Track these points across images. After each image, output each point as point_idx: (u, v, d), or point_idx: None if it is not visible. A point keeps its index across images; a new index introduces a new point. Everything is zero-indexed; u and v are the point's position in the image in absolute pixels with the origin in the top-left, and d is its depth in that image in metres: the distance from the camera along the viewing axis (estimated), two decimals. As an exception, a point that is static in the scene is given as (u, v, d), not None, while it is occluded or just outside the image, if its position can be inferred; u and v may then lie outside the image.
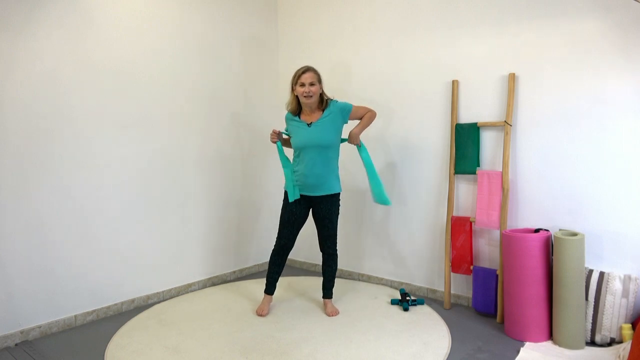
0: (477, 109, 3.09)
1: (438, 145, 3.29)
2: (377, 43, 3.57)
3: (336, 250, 3.05)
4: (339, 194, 3.00)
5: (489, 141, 3.05)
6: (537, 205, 2.87)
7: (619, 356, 2.31)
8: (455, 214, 3.22)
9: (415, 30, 3.35)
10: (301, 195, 2.95)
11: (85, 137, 2.95)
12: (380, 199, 3.00)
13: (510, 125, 2.90)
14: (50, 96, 2.79)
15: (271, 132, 3.01)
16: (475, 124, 3.04)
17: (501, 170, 2.95)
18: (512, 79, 2.89)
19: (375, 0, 3.56)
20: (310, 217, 3.08)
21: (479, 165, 3.06)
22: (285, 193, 3.00)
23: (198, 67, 3.58)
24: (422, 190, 3.38)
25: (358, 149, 3.02)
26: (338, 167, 3.00)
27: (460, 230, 3.10)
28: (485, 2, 3.01)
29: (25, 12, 2.67)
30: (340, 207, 3.05)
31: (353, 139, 2.98)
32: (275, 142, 3.00)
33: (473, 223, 3.07)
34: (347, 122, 3.00)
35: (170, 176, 3.42)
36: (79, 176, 2.93)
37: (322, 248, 3.05)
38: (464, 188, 3.18)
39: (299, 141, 2.92)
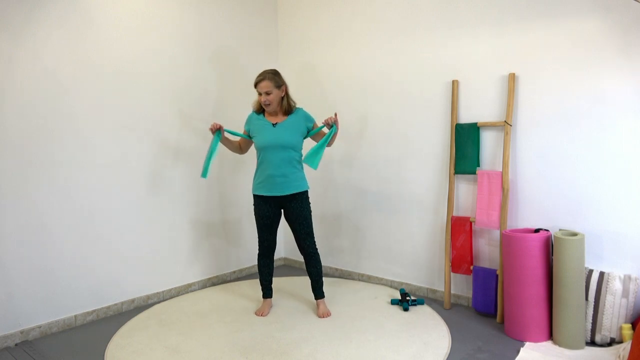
0: (477, 109, 3.08)
1: (438, 145, 3.28)
2: (377, 43, 3.57)
3: (316, 248, 3.02)
4: (307, 191, 2.99)
5: (489, 141, 3.05)
6: (537, 205, 2.87)
7: (619, 356, 2.31)
8: (455, 214, 3.22)
9: (415, 30, 3.35)
10: (270, 197, 2.93)
11: (85, 137, 2.95)
12: (311, 159, 2.82)
13: (510, 125, 2.90)
14: (50, 96, 2.79)
15: (212, 124, 2.89)
16: (475, 124, 3.04)
17: (501, 170, 2.95)
18: (512, 79, 2.89)
19: (375, 0, 3.56)
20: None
21: (479, 165, 3.06)
22: (255, 197, 2.99)
23: (198, 67, 3.58)
24: (422, 190, 3.38)
25: (332, 127, 2.84)
26: (303, 167, 2.99)
27: (460, 230, 3.10)
28: (485, 2, 3.01)
29: (25, 12, 2.67)
30: (311, 205, 3.04)
31: (332, 119, 2.83)
32: (213, 132, 2.88)
33: (473, 223, 3.07)
34: (309, 132, 2.97)
35: (170, 176, 3.42)
36: (79, 176, 2.93)
37: (302, 248, 3.01)
38: (464, 188, 3.18)
39: (263, 140, 2.90)
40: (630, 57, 2.52)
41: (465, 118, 3.13)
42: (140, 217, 3.25)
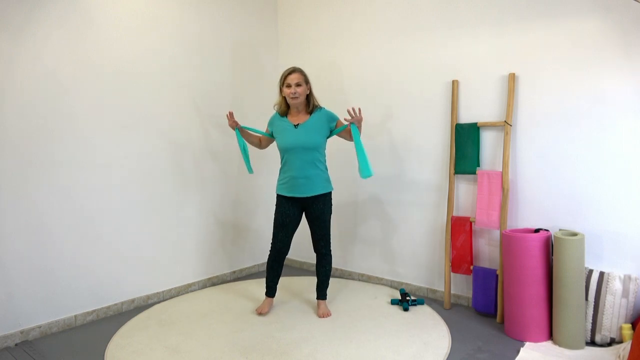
0: (477, 109, 3.09)
1: (438, 145, 3.28)
2: (377, 43, 3.57)
3: (330, 250, 3.03)
4: (331, 193, 3.00)
5: (489, 141, 3.05)
6: (537, 205, 2.87)
7: (619, 356, 2.32)
8: (455, 214, 3.22)
9: (415, 30, 3.35)
10: (293, 197, 2.93)
11: (85, 137, 2.95)
12: (365, 173, 2.82)
13: (510, 125, 2.90)
14: (50, 96, 2.79)
15: (228, 118, 3.05)
16: (475, 124, 3.04)
17: (501, 170, 2.95)
18: (512, 79, 2.89)
19: (375, 0, 3.56)
20: (304, 220, 3.07)
21: (479, 165, 3.06)
22: (278, 197, 3.00)
23: (198, 67, 3.58)
24: (422, 190, 3.38)
25: (353, 128, 2.82)
26: (327, 168, 3.00)
27: (460, 230, 3.10)
28: (485, 2, 3.01)
29: (25, 12, 2.67)
30: (332, 207, 3.04)
31: (359, 117, 2.80)
32: (233, 128, 3.06)
33: (473, 223, 3.07)
34: (332, 132, 2.95)
35: (170, 176, 3.42)
36: (79, 176, 2.93)
37: (316, 248, 3.03)
38: (464, 188, 3.18)
39: (285, 142, 2.91)
40: (630, 57, 2.52)
41: (465, 118, 3.14)
42: (140, 217, 3.25)
